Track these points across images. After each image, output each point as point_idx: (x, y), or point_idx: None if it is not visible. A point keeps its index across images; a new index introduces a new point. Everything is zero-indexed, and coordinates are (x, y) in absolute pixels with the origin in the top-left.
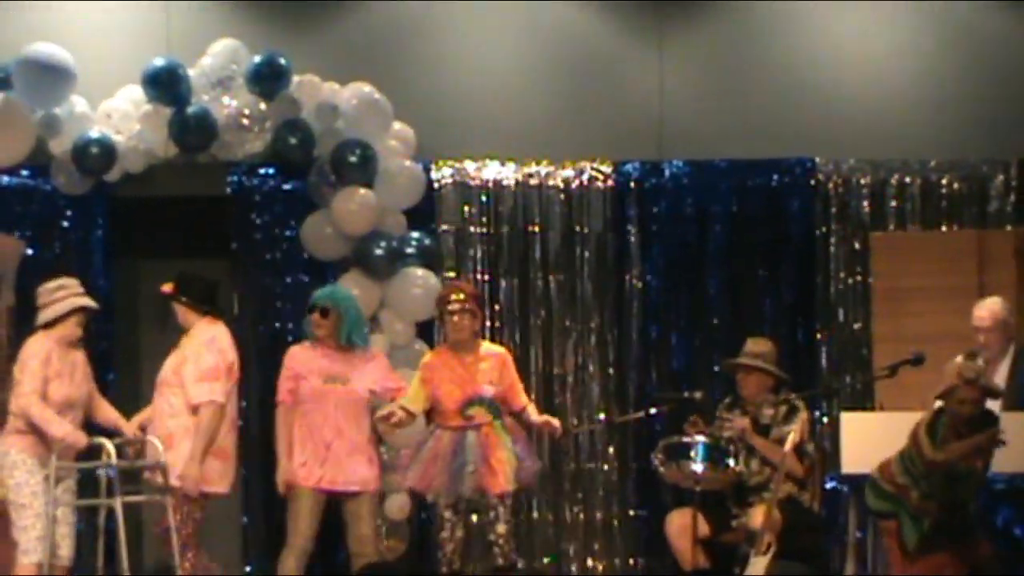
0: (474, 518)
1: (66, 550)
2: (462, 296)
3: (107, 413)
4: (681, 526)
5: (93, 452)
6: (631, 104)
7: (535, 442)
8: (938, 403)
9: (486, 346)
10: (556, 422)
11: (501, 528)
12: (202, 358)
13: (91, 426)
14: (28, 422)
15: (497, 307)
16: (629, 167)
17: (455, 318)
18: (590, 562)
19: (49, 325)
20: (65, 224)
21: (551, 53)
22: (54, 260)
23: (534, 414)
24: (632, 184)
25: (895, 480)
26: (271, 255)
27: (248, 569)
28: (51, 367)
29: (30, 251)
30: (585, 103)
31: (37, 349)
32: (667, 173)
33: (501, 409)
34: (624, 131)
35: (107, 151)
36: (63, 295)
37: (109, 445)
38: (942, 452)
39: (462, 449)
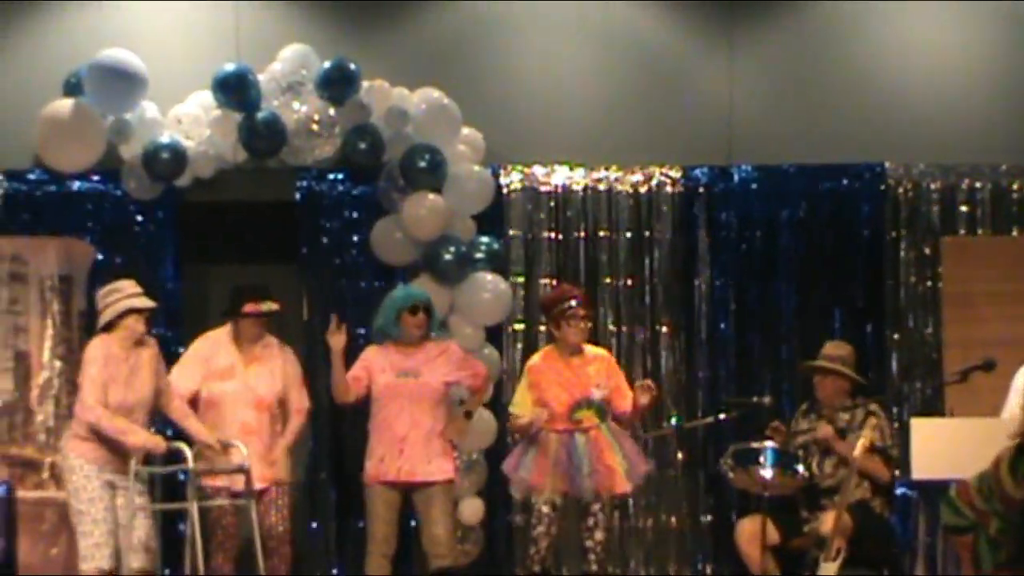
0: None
1: (142, 559)
2: (580, 301)
3: (186, 418)
4: (751, 532)
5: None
6: (700, 109)
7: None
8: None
9: (591, 349)
10: (648, 382)
11: (599, 535)
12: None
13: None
14: (89, 428)
15: None
16: (698, 172)
17: (578, 323)
18: (659, 568)
19: (106, 328)
20: (135, 229)
21: (620, 57)
22: (124, 265)
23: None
24: (701, 189)
25: (974, 504)
26: (340, 260)
27: (335, 572)
28: (107, 369)
29: (100, 256)
30: (654, 108)
31: (94, 353)
32: (736, 178)
33: (607, 412)
34: (693, 136)
35: (177, 156)
36: (115, 298)
37: (187, 449)
38: (1021, 490)
39: (574, 452)
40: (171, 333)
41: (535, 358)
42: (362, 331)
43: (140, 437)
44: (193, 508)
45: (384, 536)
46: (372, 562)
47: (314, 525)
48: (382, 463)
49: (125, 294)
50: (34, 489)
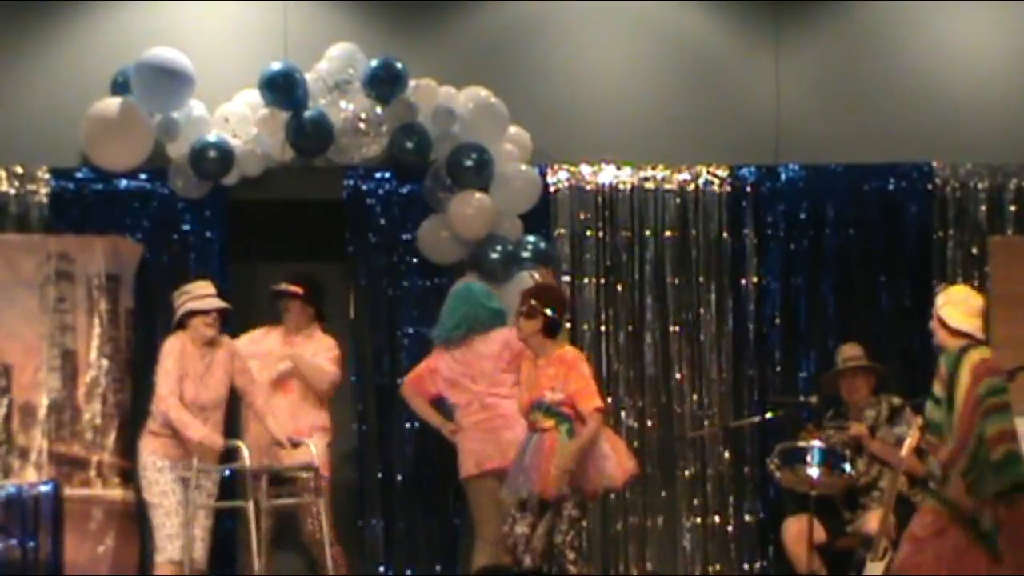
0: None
1: (199, 553)
2: (521, 298)
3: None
4: (797, 532)
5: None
6: (747, 108)
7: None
8: None
9: (559, 350)
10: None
11: (558, 538)
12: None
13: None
14: (164, 423)
15: (611, 311)
16: (745, 171)
17: (518, 319)
18: (705, 567)
19: (180, 327)
20: (182, 228)
21: (667, 56)
22: (171, 263)
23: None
24: (748, 188)
25: None
26: (386, 259)
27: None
28: (183, 366)
29: (148, 254)
30: (702, 107)
31: (169, 349)
32: (783, 177)
33: (566, 414)
34: (740, 135)
35: (224, 155)
36: (183, 300)
37: (244, 448)
38: None
39: (525, 450)
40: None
41: (573, 353)
42: (409, 330)
43: (200, 432)
44: (249, 507)
45: (493, 521)
46: (483, 549)
47: (360, 523)
48: (478, 454)
49: (192, 296)
50: (81, 487)
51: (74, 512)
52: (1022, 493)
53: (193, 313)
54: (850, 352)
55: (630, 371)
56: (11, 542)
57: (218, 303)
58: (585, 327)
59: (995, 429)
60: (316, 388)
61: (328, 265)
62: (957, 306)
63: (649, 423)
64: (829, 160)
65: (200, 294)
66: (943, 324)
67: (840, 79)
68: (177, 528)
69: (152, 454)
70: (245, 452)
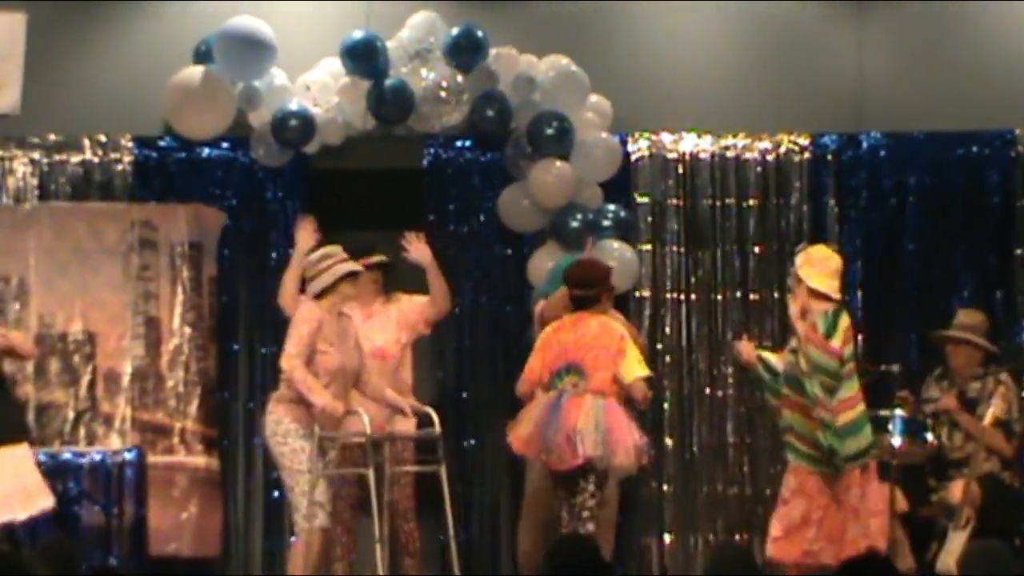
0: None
1: (322, 520)
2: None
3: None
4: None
5: None
6: (829, 75)
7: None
8: None
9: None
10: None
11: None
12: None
13: None
14: (296, 389)
15: (693, 280)
16: (827, 139)
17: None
18: None
19: (319, 295)
20: (264, 196)
21: (749, 24)
22: (253, 231)
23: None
24: (830, 156)
25: None
26: (466, 228)
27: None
28: (323, 336)
29: (229, 222)
30: (783, 74)
31: (308, 315)
32: (865, 145)
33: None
34: (822, 103)
35: (306, 123)
36: (328, 264)
37: (365, 416)
38: None
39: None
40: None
41: (621, 324)
42: (483, 299)
43: (323, 398)
44: (371, 474)
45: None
46: (525, 526)
47: None
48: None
49: (337, 260)
50: (164, 454)
51: (157, 479)
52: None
53: (345, 276)
54: (965, 319)
55: (710, 340)
56: (96, 509)
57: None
58: (666, 296)
59: (846, 395)
60: (441, 307)
61: (407, 233)
62: (815, 266)
63: (729, 391)
64: (911, 128)
65: (344, 257)
66: (801, 283)
67: (923, 46)
68: (324, 494)
69: (295, 421)
70: (366, 419)
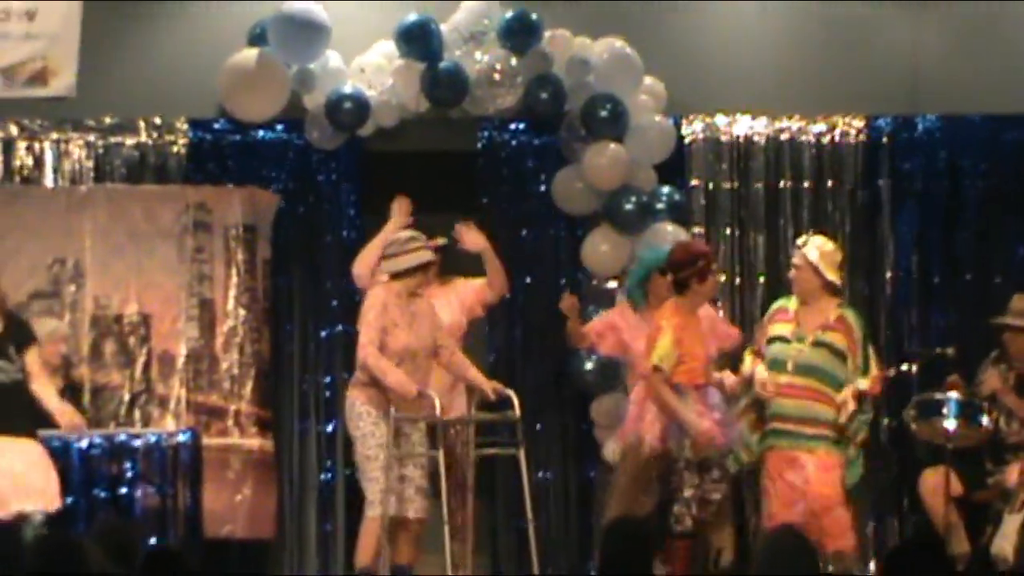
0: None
1: (418, 503)
2: (711, 257)
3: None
4: (934, 484)
5: None
6: (884, 57)
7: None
8: None
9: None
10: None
11: (724, 488)
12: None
13: None
14: (371, 374)
15: (746, 262)
16: (882, 121)
17: (715, 278)
18: None
19: (396, 276)
20: (318, 178)
21: (803, 5)
22: (306, 214)
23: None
24: (885, 139)
25: None
26: (520, 210)
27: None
28: (388, 316)
29: (284, 205)
30: (838, 56)
31: (374, 301)
32: (920, 127)
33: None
34: (877, 85)
35: (360, 106)
36: (414, 247)
37: (436, 398)
38: None
39: (716, 406)
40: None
41: (668, 313)
42: (537, 282)
43: (396, 377)
44: (440, 456)
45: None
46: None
47: None
48: None
49: (423, 244)
50: (219, 436)
51: (212, 461)
52: None
53: (422, 265)
54: (1018, 305)
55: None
56: (150, 490)
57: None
58: (721, 278)
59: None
60: (498, 290)
61: (461, 216)
62: (826, 259)
63: None
64: (966, 110)
65: (423, 245)
66: (819, 274)
67: (978, 27)
68: (393, 483)
69: (366, 404)
70: (437, 402)
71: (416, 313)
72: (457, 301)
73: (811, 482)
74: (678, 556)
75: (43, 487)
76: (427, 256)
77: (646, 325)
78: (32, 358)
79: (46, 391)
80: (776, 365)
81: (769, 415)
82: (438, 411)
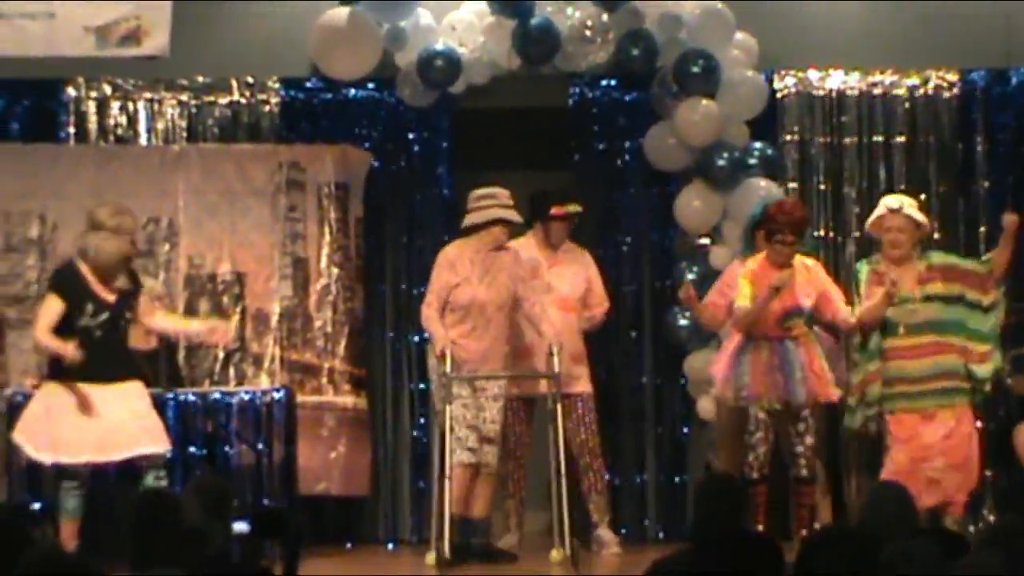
0: None
1: (490, 457)
2: (792, 227)
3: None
4: None
5: None
6: (978, 10)
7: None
8: None
9: (799, 259)
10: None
11: (809, 440)
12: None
13: None
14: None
15: (839, 217)
16: (975, 75)
17: (783, 249)
18: None
19: (467, 231)
20: (409, 136)
21: None
22: (399, 172)
23: (849, 316)
24: (979, 93)
25: None
26: (612, 167)
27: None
28: (456, 272)
29: (376, 163)
30: (931, 9)
31: (440, 260)
32: (1014, 81)
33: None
34: (970, 38)
35: (451, 63)
36: (487, 204)
37: (448, 351)
38: None
39: (786, 359)
40: (447, 237)
41: (752, 264)
42: (627, 240)
43: (436, 330)
44: (447, 409)
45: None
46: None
47: None
48: None
49: (500, 202)
50: (312, 394)
51: (306, 419)
52: None
53: (497, 221)
54: None
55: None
56: (246, 448)
57: (519, 217)
58: (814, 233)
59: None
60: (595, 313)
61: (553, 173)
62: (920, 214)
63: None
64: None
65: (506, 203)
66: (920, 228)
67: None
68: (465, 432)
69: (435, 358)
70: (449, 355)
71: (490, 268)
72: (584, 274)
73: (952, 435)
74: (754, 503)
75: (161, 430)
76: (496, 214)
77: None
78: (145, 299)
79: (172, 319)
80: (890, 330)
81: (893, 378)
82: (448, 366)
